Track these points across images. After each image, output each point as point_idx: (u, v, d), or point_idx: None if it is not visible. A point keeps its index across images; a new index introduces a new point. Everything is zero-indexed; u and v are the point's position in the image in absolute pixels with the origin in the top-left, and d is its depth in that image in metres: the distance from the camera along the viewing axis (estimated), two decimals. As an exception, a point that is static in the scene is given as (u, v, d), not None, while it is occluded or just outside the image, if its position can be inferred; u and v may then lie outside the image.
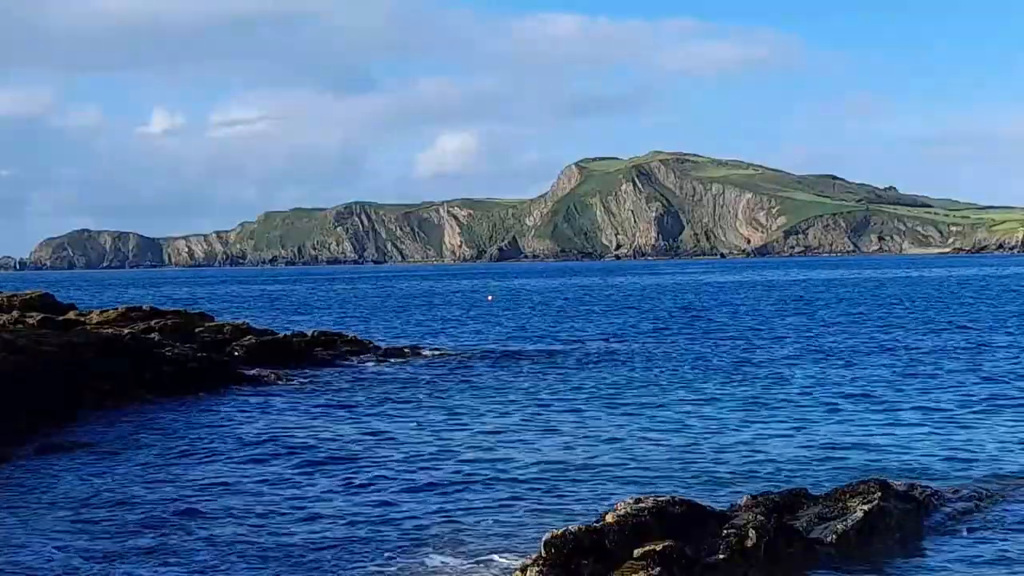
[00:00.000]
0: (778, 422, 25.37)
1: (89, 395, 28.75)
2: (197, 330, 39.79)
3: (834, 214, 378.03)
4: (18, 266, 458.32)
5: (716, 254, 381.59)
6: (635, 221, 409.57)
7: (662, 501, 14.07)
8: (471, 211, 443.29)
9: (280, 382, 34.02)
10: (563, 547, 12.93)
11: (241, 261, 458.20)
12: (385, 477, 20.15)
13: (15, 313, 39.74)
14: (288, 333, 43.27)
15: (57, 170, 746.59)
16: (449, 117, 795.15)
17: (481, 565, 14.66)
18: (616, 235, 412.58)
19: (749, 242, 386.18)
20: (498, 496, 18.49)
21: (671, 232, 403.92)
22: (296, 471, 20.90)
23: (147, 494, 19.06)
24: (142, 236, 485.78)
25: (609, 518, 13.54)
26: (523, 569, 12.96)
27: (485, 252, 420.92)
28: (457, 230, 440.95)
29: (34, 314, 39.23)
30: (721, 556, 13.29)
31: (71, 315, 41.85)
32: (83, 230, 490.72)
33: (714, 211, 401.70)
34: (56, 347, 29.50)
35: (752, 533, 13.66)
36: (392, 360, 40.43)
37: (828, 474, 19.48)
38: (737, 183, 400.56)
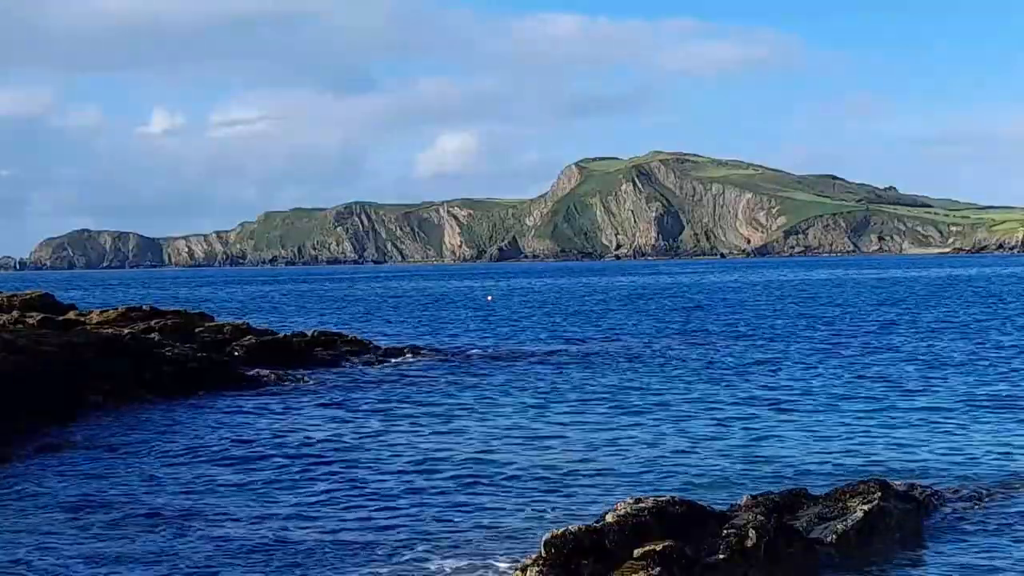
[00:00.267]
0: (778, 422, 25.37)
1: (89, 395, 28.76)
2: (197, 330, 39.78)
3: (834, 214, 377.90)
4: (18, 266, 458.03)
5: (716, 254, 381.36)
6: (635, 221, 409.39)
7: (662, 501, 14.07)
8: (471, 211, 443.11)
9: (280, 382, 34.01)
10: (563, 547, 12.93)
11: (241, 261, 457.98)
12: (385, 477, 20.15)
13: (15, 313, 39.74)
14: (288, 333, 43.26)
15: (57, 170, 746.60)
16: (449, 117, 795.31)
17: (481, 565, 14.66)
18: (616, 235, 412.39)
19: (749, 242, 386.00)
20: (498, 496, 18.49)
21: (671, 232, 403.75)
22: (296, 471, 20.90)
23: (147, 494, 19.06)
24: (142, 236, 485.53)
25: (609, 518, 13.54)
26: (523, 569, 12.96)
27: (485, 252, 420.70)
28: (457, 230, 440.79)
29: (34, 314, 39.23)
30: (721, 556, 13.28)
31: (71, 315, 41.83)
32: (83, 230, 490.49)
33: (714, 211, 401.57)
34: (56, 347, 29.51)
35: (752, 533, 13.66)
36: (392, 360, 40.44)
37: (828, 474, 19.48)
38: (737, 183, 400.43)
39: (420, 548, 15.51)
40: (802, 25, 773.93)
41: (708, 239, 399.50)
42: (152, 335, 36.55)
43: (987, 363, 36.67)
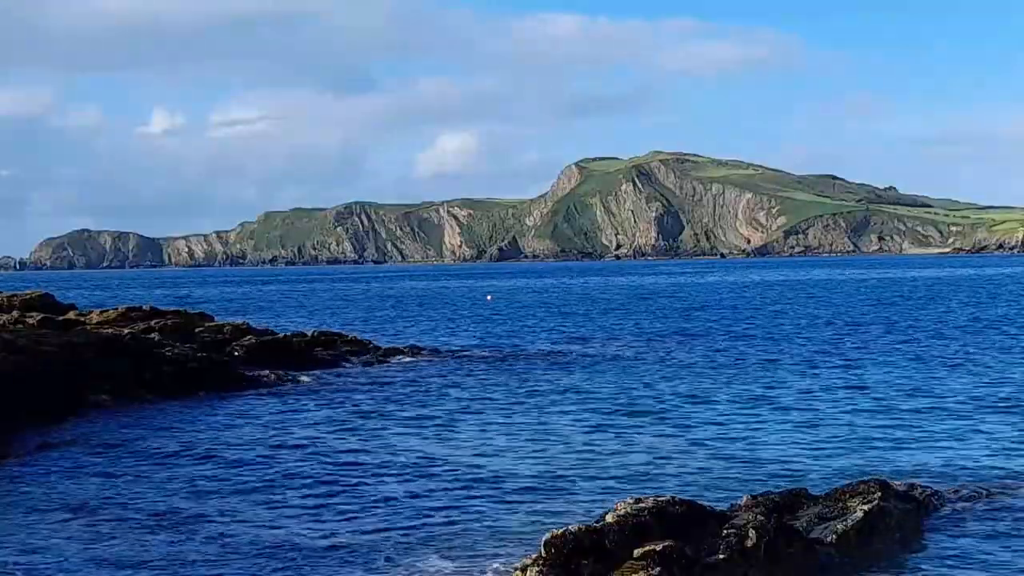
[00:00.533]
0: (778, 422, 25.37)
1: (89, 395, 28.77)
2: (197, 330, 39.78)
3: (834, 214, 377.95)
4: (18, 266, 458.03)
5: (716, 254, 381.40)
6: (635, 221, 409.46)
7: (662, 501, 14.07)
8: (471, 211, 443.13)
9: (280, 382, 34.01)
10: (563, 547, 12.93)
11: (241, 261, 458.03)
12: (385, 478, 20.14)
13: (15, 313, 39.74)
14: (288, 333, 43.27)
15: (57, 170, 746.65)
16: (449, 117, 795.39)
17: (481, 565, 14.66)
18: (616, 235, 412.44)
19: (749, 242, 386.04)
20: (498, 496, 18.49)
21: (671, 232, 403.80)
22: (296, 472, 20.88)
23: (147, 494, 19.06)
24: (142, 236, 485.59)
25: (609, 518, 13.54)
26: (523, 569, 12.96)
27: (485, 252, 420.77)
28: (457, 230, 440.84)
29: (34, 314, 39.23)
30: (721, 556, 13.28)
31: (71, 315, 41.84)
32: (83, 230, 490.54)
33: (714, 211, 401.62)
34: (56, 347, 29.53)
35: (752, 533, 13.66)
36: (392, 360, 40.45)
37: (828, 474, 19.47)
38: (737, 183, 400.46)
39: (420, 549, 15.51)
40: (802, 25, 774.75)
41: (708, 239, 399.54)
42: (152, 335, 36.56)
43: (987, 363, 36.66)
